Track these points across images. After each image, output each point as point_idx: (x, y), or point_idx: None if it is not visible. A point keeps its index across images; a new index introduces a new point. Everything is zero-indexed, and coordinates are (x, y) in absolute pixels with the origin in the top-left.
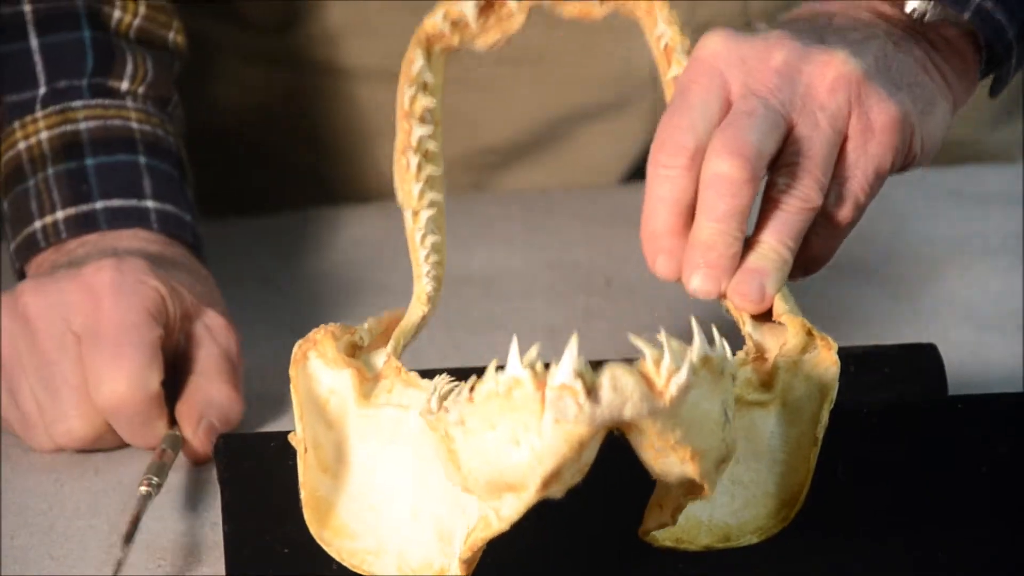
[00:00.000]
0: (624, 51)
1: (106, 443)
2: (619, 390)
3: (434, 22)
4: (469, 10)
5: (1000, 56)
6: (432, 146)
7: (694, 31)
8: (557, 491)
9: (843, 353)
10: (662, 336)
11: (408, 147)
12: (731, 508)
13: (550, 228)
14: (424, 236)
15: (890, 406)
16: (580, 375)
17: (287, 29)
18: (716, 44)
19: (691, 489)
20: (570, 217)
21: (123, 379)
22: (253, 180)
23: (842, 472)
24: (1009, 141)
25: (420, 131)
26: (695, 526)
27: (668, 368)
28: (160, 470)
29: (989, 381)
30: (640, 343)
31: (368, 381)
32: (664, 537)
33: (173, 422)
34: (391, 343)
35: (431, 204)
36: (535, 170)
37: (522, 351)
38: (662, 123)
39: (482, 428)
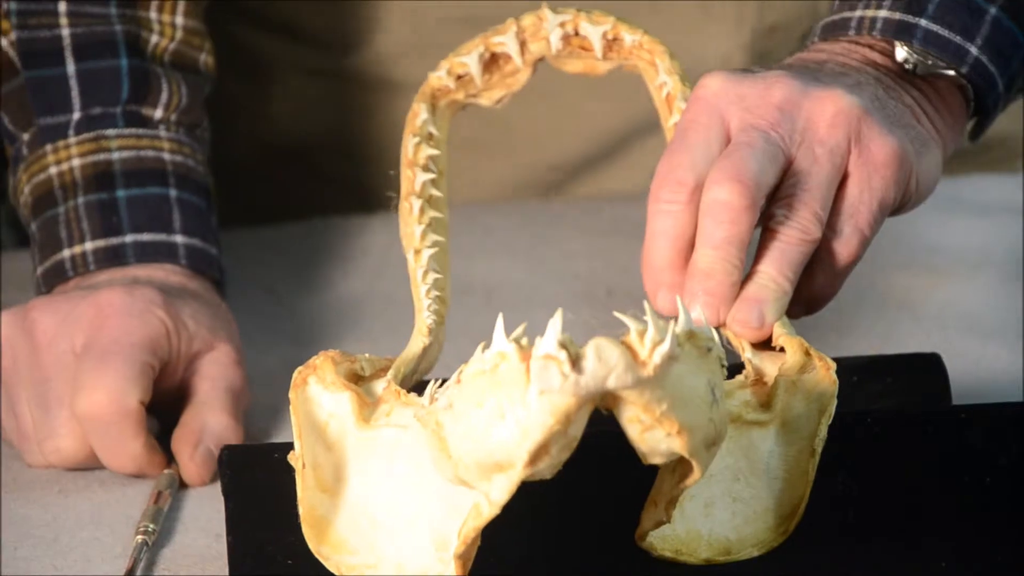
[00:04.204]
0: (690, 61)
1: (94, 463)
2: (603, 360)
3: (438, 76)
4: (473, 65)
5: (987, 107)
6: (436, 192)
7: (766, 32)
8: (546, 468)
9: (846, 362)
10: (647, 311)
11: (411, 192)
12: (732, 524)
13: (551, 239)
14: (426, 273)
15: (893, 415)
16: (564, 345)
17: (348, 50)
18: (715, 84)
19: (681, 474)
20: (571, 228)
21: (102, 388)
22: (307, 194)
23: (844, 481)
24: (1012, 150)
25: (423, 177)
26: (695, 539)
27: (652, 339)
28: (156, 516)
29: (992, 391)
30: (625, 318)
31: (368, 406)
32: (663, 548)
33: (171, 459)
34: (391, 371)
35: (433, 244)
36: (600, 181)
37: (508, 330)
38: (662, 161)
39: (470, 408)
